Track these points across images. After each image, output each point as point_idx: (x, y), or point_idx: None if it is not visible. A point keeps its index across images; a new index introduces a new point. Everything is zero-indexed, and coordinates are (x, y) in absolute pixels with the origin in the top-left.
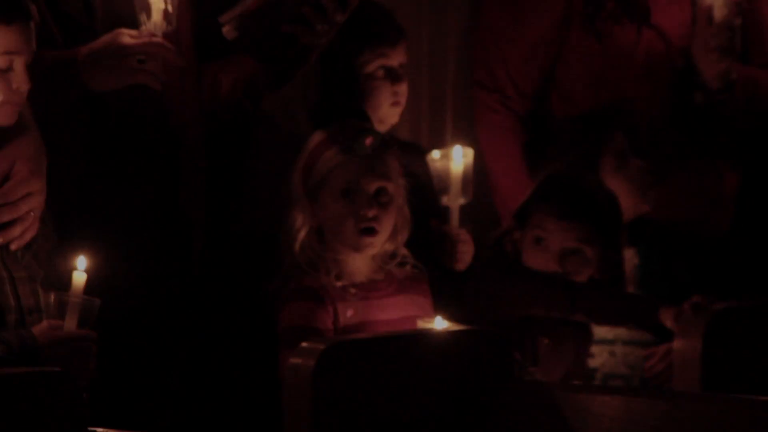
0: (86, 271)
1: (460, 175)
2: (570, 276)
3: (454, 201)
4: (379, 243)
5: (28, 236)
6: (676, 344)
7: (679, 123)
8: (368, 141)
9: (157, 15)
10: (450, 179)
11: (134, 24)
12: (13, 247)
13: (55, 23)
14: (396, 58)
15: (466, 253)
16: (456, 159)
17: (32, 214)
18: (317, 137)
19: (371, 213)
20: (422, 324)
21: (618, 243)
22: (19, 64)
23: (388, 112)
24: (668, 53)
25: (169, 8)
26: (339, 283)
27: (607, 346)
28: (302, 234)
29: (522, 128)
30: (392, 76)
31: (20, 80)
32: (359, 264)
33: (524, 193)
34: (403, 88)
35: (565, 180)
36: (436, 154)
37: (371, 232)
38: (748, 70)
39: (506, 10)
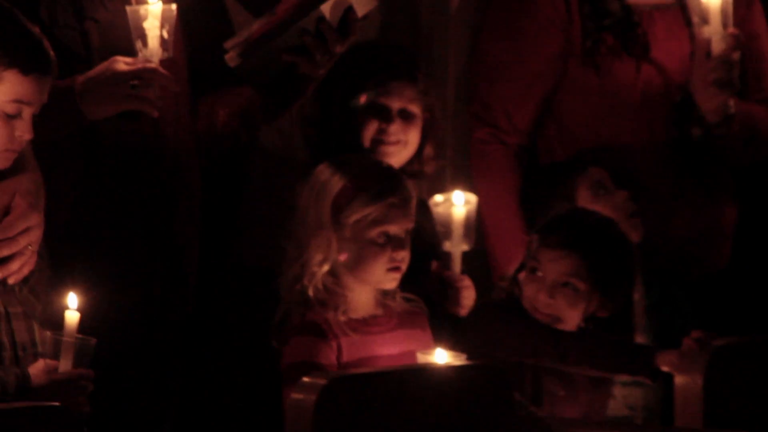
0: (78, 308)
1: (462, 221)
2: (567, 319)
3: (457, 247)
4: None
5: (26, 270)
6: (678, 380)
7: (677, 158)
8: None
9: (153, 42)
10: (452, 225)
11: (131, 52)
12: (10, 281)
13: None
14: (396, 99)
15: (467, 299)
16: (458, 204)
17: (30, 248)
18: (330, 173)
19: (401, 255)
20: (422, 356)
21: (623, 284)
22: (27, 113)
23: (375, 149)
24: (666, 88)
25: (165, 35)
26: (342, 318)
27: None
28: (324, 269)
29: (515, 163)
30: (381, 114)
31: (24, 129)
32: (362, 299)
33: (511, 229)
34: (394, 128)
35: (568, 213)
36: (438, 198)
37: (398, 269)
38: (746, 105)
39: (504, 44)
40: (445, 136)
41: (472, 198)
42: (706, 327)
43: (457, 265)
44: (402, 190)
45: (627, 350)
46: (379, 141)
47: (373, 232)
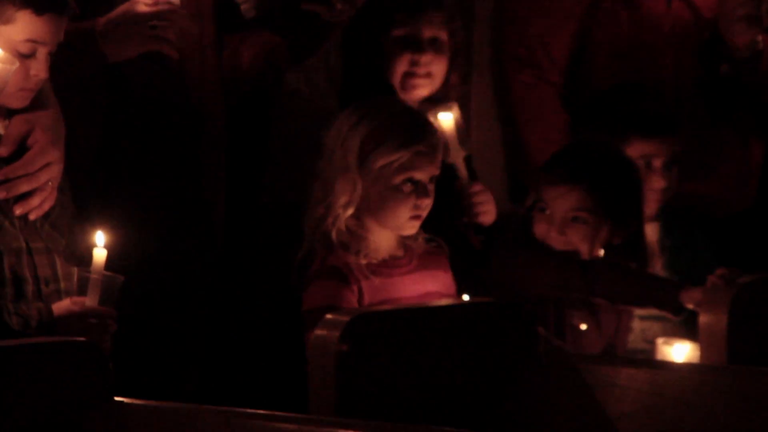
0: (106, 246)
1: (453, 130)
2: (583, 252)
3: (457, 155)
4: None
5: (46, 206)
6: (702, 318)
7: (705, 94)
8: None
9: None
10: (446, 137)
11: None
12: (31, 216)
13: None
14: (426, 28)
15: (486, 204)
16: (444, 119)
17: (51, 184)
18: (358, 116)
19: (425, 203)
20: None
21: (633, 215)
22: (42, 53)
23: (405, 83)
24: (696, 24)
25: None
26: (364, 261)
27: None
28: (348, 212)
29: (560, 102)
30: (413, 46)
31: (39, 68)
32: (383, 241)
33: None
34: (426, 59)
35: (574, 146)
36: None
37: (419, 217)
38: None
39: None
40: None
41: (455, 107)
42: (731, 265)
43: (463, 172)
44: (430, 137)
45: (653, 284)
46: (410, 74)
47: (398, 178)
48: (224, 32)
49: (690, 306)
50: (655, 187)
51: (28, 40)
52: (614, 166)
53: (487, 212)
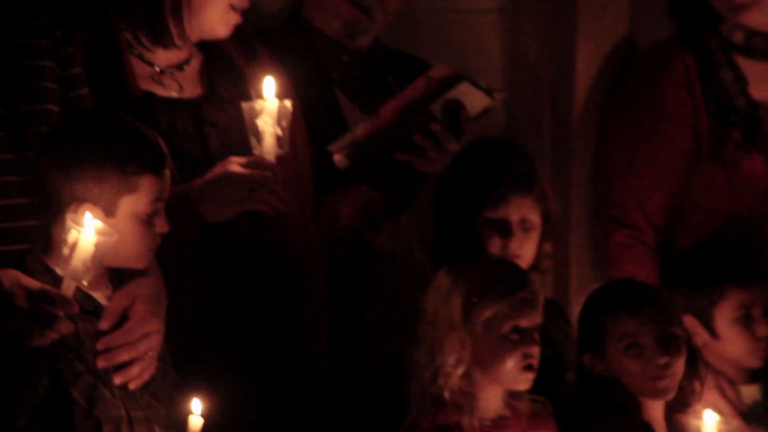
0: (202, 414)
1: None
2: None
3: None
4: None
5: (146, 376)
6: None
7: None
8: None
9: (268, 139)
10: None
11: (248, 152)
12: (131, 386)
13: (172, 160)
14: (515, 212)
15: None
16: None
17: (150, 353)
18: (456, 274)
19: (534, 350)
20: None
21: None
22: (161, 208)
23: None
24: None
25: (280, 132)
26: (476, 422)
27: None
28: (459, 370)
29: (656, 262)
30: (502, 230)
31: (162, 224)
32: (492, 399)
33: None
34: (515, 243)
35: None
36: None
37: (531, 368)
38: None
39: (634, 143)
40: (565, 234)
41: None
42: None
43: None
44: (529, 284)
45: None
46: (501, 254)
47: (506, 327)
48: (322, 189)
49: None
50: (759, 334)
51: (152, 201)
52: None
53: None
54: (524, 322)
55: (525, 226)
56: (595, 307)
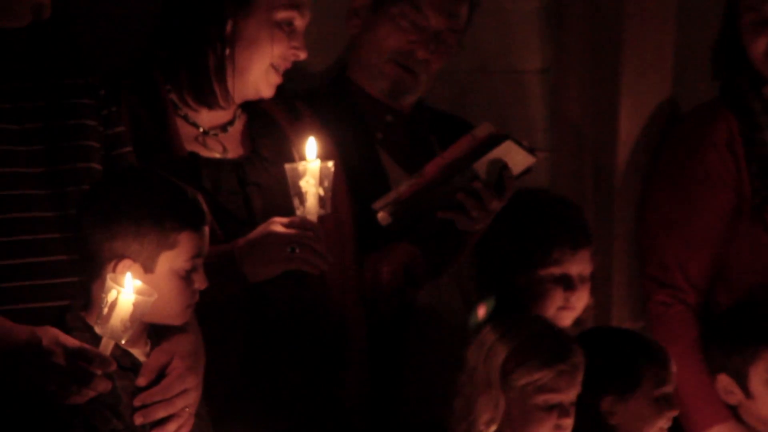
0: None
1: None
2: None
3: None
4: None
5: None
6: None
7: None
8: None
9: (311, 199)
10: None
11: (291, 212)
12: None
13: (216, 220)
14: (575, 266)
15: None
16: None
17: (188, 410)
18: (500, 333)
19: (567, 423)
20: None
21: None
22: (200, 264)
23: (555, 315)
24: None
25: (322, 192)
26: None
27: None
28: (491, 429)
29: (696, 321)
30: (566, 283)
31: (201, 280)
32: None
33: (702, 388)
34: (576, 296)
35: None
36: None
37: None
38: None
39: (676, 203)
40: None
41: None
42: None
43: None
44: (572, 356)
45: None
46: (560, 308)
47: (540, 399)
48: (365, 247)
49: None
50: None
51: (191, 258)
52: None
53: None
54: (559, 397)
55: (582, 279)
56: (634, 351)
